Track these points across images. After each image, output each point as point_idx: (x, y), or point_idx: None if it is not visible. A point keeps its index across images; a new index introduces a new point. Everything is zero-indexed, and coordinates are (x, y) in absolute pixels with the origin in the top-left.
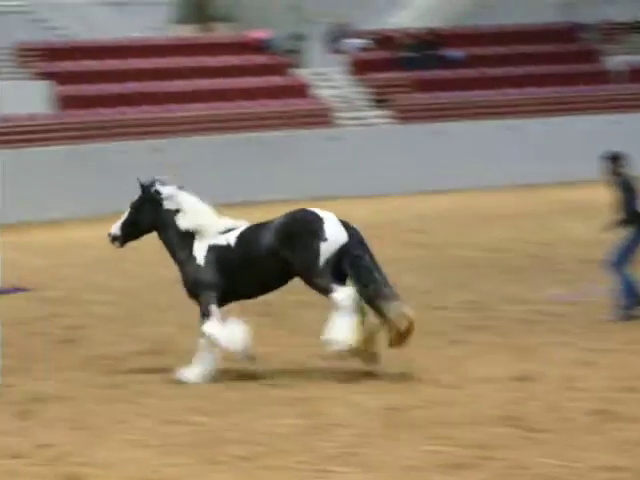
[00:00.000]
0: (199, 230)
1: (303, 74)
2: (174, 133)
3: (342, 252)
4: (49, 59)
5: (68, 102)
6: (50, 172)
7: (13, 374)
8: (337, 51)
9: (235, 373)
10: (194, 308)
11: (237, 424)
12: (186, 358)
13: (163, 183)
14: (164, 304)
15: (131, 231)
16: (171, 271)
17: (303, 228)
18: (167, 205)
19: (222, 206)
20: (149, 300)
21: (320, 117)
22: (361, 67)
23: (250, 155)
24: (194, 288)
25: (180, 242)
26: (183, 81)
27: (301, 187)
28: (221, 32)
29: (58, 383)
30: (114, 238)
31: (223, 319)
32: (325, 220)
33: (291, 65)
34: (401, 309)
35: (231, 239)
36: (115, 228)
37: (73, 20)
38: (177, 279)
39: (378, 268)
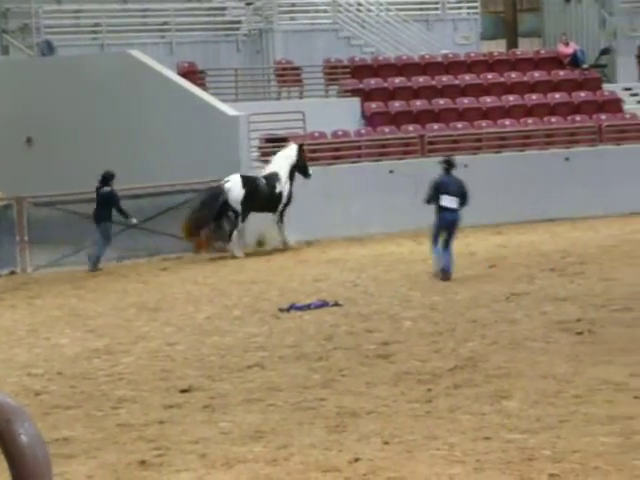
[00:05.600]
0: None
1: (612, 89)
2: (482, 149)
3: None
4: (356, 76)
5: (375, 119)
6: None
7: (325, 388)
8: None
9: (550, 390)
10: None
11: (551, 441)
12: (497, 374)
13: None
14: (481, 320)
15: None
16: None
17: None
18: None
19: (529, 222)
20: (467, 316)
21: (631, 132)
22: None
23: (558, 172)
24: None
25: None
26: (491, 97)
27: (610, 204)
28: (528, 47)
29: (371, 398)
30: None
31: None
32: None
33: (601, 80)
34: None
35: None
36: None
37: (379, 37)
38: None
39: None
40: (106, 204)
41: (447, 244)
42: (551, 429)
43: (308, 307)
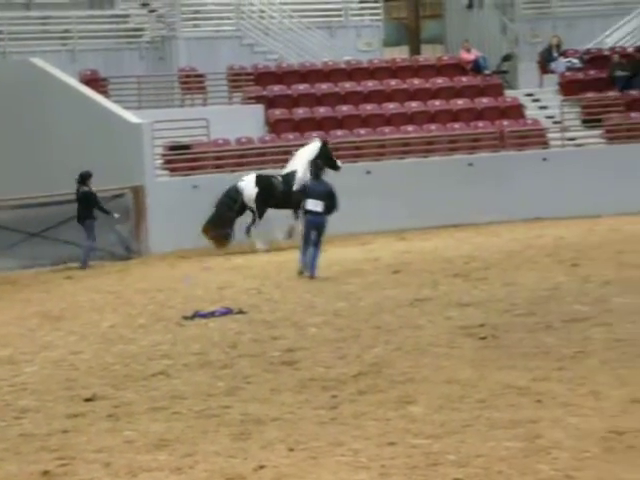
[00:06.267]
0: None
1: (514, 95)
2: (385, 155)
3: None
4: (259, 83)
5: (278, 126)
6: None
7: (230, 396)
8: (548, 71)
9: (454, 395)
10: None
11: (455, 446)
12: (401, 379)
13: None
14: (386, 325)
15: None
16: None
17: None
18: None
19: (432, 228)
20: (371, 322)
21: (533, 138)
22: (572, 87)
23: (462, 177)
24: None
25: None
26: (394, 104)
27: (514, 209)
28: (431, 54)
29: (276, 405)
30: None
31: None
32: None
33: (503, 86)
34: None
35: None
36: None
37: (283, 44)
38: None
39: None
40: (86, 203)
41: (315, 245)
42: (455, 434)
43: (212, 315)
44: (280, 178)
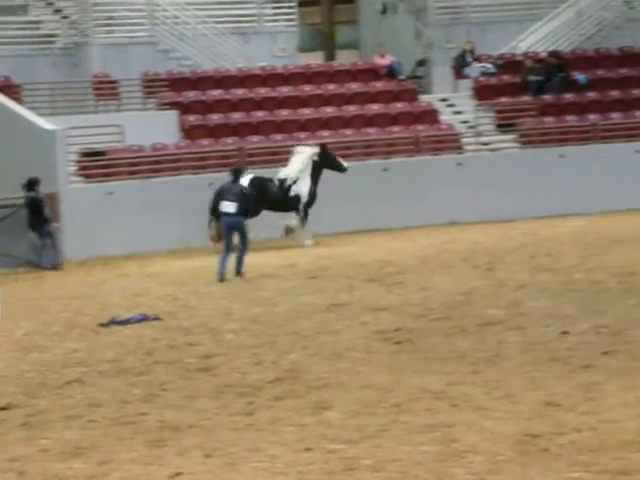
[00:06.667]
0: None
1: (429, 100)
2: None
3: None
4: (174, 89)
5: (193, 132)
6: (177, 202)
7: (146, 403)
8: (462, 76)
9: (370, 400)
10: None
11: (371, 451)
12: (318, 385)
13: None
14: (302, 331)
15: None
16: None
17: None
18: None
19: (349, 233)
20: (288, 327)
21: (448, 143)
22: (486, 92)
23: (377, 182)
24: None
25: None
26: (309, 109)
27: (429, 214)
28: (346, 59)
29: (192, 412)
30: None
31: None
32: None
33: (417, 91)
34: None
35: None
36: None
37: (197, 50)
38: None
39: None
40: (33, 209)
41: (242, 246)
42: (371, 438)
43: (128, 322)
44: (277, 182)
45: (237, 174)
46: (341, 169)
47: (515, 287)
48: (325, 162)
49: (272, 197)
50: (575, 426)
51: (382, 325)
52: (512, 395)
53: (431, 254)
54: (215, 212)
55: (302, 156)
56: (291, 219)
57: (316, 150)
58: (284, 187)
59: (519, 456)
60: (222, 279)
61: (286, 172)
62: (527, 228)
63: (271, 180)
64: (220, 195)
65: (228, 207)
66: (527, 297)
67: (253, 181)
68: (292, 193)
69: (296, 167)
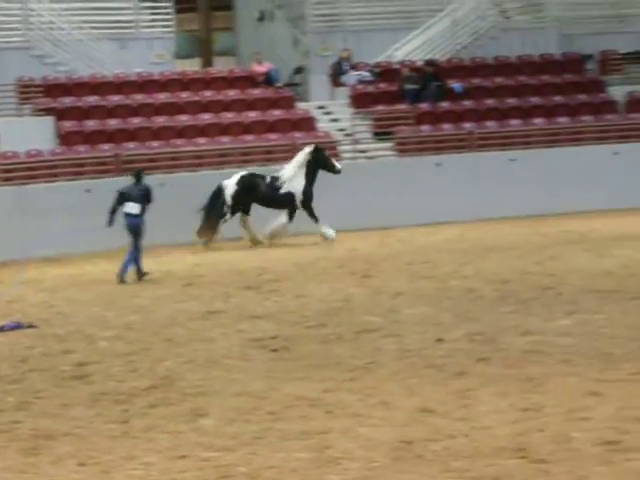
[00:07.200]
0: None
1: (306, 107)
2: (179, 168)
3: None
4: (50, 95)
5: (69, 138)
6: (53, 209)
7: (20, 410)
8: (339, 84)
9: (246, 407)
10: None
11: (246, 458)
12: (193, 392)
13: None
14: (177, 338)
15: None
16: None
17: None
18: None
19: (227, 241)
20: (163, 335)
21: (327, 150)
22: (363, 100)
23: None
24: None
25: None
26: (186, 116)
27: (305, 221)
28: (223, 66)
29: (67, 419)
30: None
31: None
32: None
33: (294, 99)
34: None
35: None
36: None
37: (73, 56)
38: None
39: None
40: None
41: (136, 248)
42: (247, 446)
43: (2, 329)
44: (269, 179)
45: (138, 176)
46: (334, 170)
47: (392, 294)
48: (318, 162)
49: (261, 193)
50: (449, 432)
51: (258, 333)
52: (387, 402)
53: (308, 261)
54: (115, 212)
55: (297, 156)
56: (281, 218)
57: (309, 150)
58: (275, 184)
59: (394, 462)
60: (122, 281)
61: (283, 170)
62: (404, 236)
63: (263, 177)
64: (123, 196)
65: (131, 208)
66: (403, 304)
67: (242, 178)
68: (284, 191)
69: (291, 166)
